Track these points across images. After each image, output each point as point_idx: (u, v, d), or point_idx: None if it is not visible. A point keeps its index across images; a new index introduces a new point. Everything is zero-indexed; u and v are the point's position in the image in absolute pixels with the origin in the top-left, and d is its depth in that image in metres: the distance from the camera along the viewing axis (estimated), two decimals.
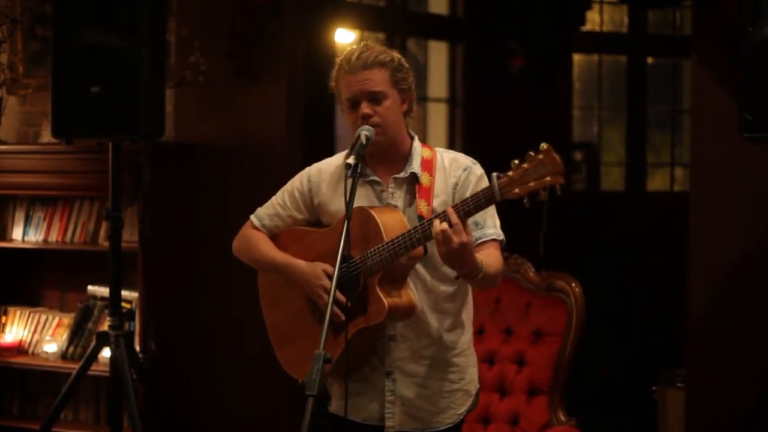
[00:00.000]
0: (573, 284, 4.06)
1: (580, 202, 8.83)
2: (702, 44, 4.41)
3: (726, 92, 4.27)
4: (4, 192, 4.98)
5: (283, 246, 3.14)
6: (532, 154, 2.65)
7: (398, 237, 2.82)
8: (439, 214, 2.76)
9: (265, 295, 3.21)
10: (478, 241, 2.93)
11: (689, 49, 4.54)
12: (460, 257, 2.73)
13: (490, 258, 2.87)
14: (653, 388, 5.03)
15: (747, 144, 3.70)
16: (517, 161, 2.66)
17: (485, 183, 2.97)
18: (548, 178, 2.62)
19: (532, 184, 2.63)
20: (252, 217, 3.21)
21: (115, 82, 3.94)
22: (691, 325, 4.51)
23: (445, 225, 2.69)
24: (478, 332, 4.15)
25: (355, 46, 3.02)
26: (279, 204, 3.17)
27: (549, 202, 2.65)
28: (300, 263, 3.04)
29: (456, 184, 2.98)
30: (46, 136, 4.93)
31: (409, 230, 2.82)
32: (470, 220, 2.87)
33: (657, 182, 9.96)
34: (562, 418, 3.93)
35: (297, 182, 3.14)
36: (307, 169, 3.16)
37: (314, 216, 3.13)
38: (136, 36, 3.94)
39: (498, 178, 2.68)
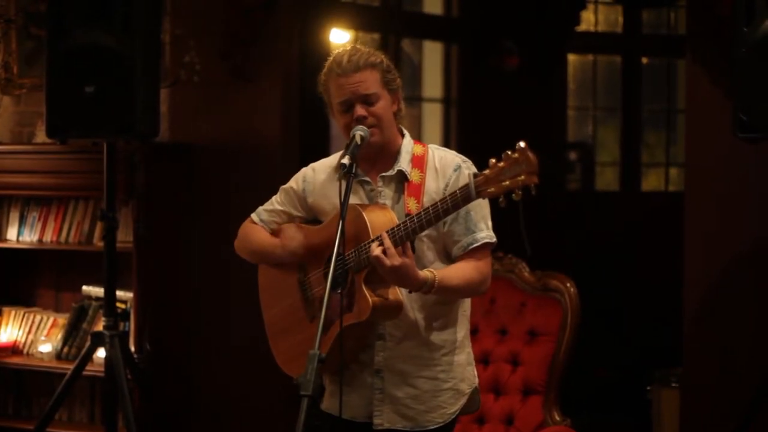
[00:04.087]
0: (568, 284, 4.06)
1: (575, 201, 8.83)
2: (696, 44, 4.42)
3: (720, 92, 4.28)
4: None
5: None
6: (509, 153, 2.66)
7: (377, 237, 2.83)
8: (376, 237, 2.81)
9: (264, 292, 3.23)
10: (469, 248, 2.95)
11: (684, 49, 4.54)
12: (396, 277, 2.79)
13: (461, 271, 2.92)
14: (648, 388, 5.03)
15: (742, 144, 3.71)
16: (494, 160, 2.68)
17: None
18: (522, 177, 2.63)
19: (506, 182, 2.64)
20: (252, 214, 3.25)
21: (109, 81, 3.94)
22: (687, 325, 4.51)
23: (378, 250, 2.76)
24: (473, 332, 4.15)
25: (341, 49, 3.02)
26: (277, 201, 3.20)
27: (523, 202, 2.65)
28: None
29: (447, 185, 2.99)
30: (41, 136, 4.92)
31: (392, 228, 2.83)
32: (462, 225, 2.93)
33: (651, 182, 9.96)
34: (557, 418, 3.93)
35: (293, 182, 3.18)
36: (304, 169, 3.19)
37: (310, 214, 3.15)
38: (130, 35, 3.94)
39: (474, 176, 2.70)
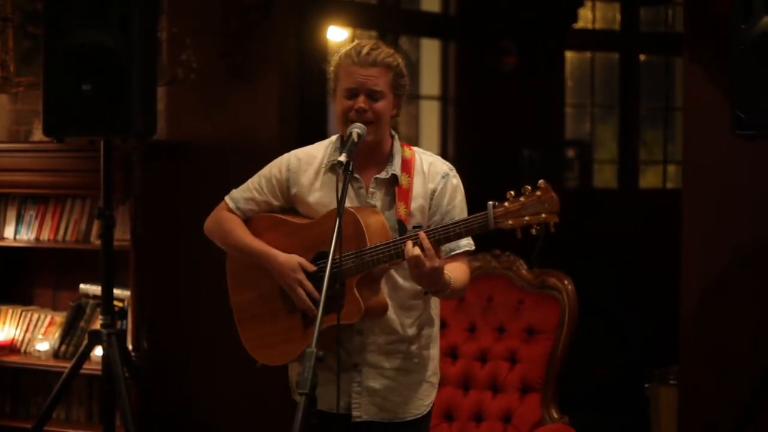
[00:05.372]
0: (565, 281, 4.06)
1: (573, 199, 8.82)
2: (694, 42, 4.42)
3: (718, 90, 4.28)
4: None
5: (256, 232, 3.14)
6: (530, 188, 2.75)
7: (383, 244, 2.87)
8: (412, 237, 2.83)
9: (234, 276, 3.21)
10: (451, 253, 3.01)
11: (681, 47, 4.54)
12: (431, 279, 2.82)
13: (458, 273, 2.97)
14: (646, 385, 5.03)
15: (739, 141, 3.71)
16: (513, 193, 2.76)
17: (460, 193, 3.08)
18: (544, 216, 2.73)
19: (527, 218, 2.74)
20: (227, 198, 3.23)
21: (106, 80, 3.93)
22: (684, 323, 4.51)
23: (417, 250, 2.78)
24: (471, 330, 4.16)
25: (365, 41, 3.07)
26: (255, 188, 3.18)
27: (543, 238, 2.75)
28: (277, 253, 3.04)
29: (434, 191, 3.04)
30: (38, 135, 4.91)
31: (395, 240, 2.87)
32: None
33: (649, 179, 9.96)
34: (555, 416, 3.93)
35: (275, 169, 3.16)
36: (286, 156, 3.17)
37: (289, 204, 3.13)
38: (127, 34, 3.94)
39: (494, 207, 2.76)
